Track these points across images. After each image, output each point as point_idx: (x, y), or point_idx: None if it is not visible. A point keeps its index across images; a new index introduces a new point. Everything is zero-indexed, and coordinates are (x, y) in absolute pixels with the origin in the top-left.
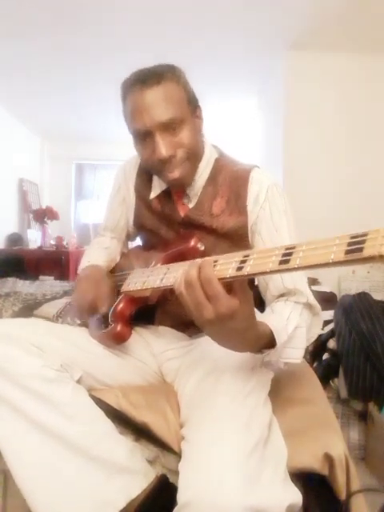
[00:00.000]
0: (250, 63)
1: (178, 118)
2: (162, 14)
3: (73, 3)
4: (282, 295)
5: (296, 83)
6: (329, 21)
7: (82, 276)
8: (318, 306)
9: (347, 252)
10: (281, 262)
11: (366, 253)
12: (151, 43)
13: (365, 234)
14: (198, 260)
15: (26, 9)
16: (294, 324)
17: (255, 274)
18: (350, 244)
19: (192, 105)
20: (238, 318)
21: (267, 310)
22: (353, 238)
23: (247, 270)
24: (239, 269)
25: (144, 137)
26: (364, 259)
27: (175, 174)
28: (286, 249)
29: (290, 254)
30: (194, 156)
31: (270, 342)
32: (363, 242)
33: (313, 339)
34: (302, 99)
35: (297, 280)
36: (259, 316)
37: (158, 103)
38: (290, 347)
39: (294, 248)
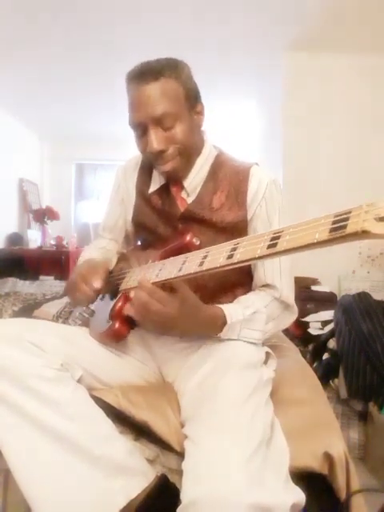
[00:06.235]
0: (249, 63)
1: (172, 114)
2: (161, 14)
3: (73, 3)
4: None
5: (296, 83)
6: (329, 21)
7: (74, 271)
8: (292, 304)
9: (331, 230)
10: (269, 246)
11: (349, 229)
12: (150, 43)
13: (348, 212)
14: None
15: (26, 9)
16: (254, 309)
17: (245, 261)
18: (334, 222)
19: (191, 101)
20: (187, 303)
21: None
22: (337, 216)
23: (237, 257)
24: (230, 257)
25: (140, 129)
26: (347, 236)
27: (167, 167)
28: (274, 233)
29: (277, 238)
30: (186, 152)
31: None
32: (347, 219)
33: (276, 330)
34: (301, 99)
35: (275, 276)
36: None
37: (153, 99)
38: (247, 328)
39: (281, 231)
